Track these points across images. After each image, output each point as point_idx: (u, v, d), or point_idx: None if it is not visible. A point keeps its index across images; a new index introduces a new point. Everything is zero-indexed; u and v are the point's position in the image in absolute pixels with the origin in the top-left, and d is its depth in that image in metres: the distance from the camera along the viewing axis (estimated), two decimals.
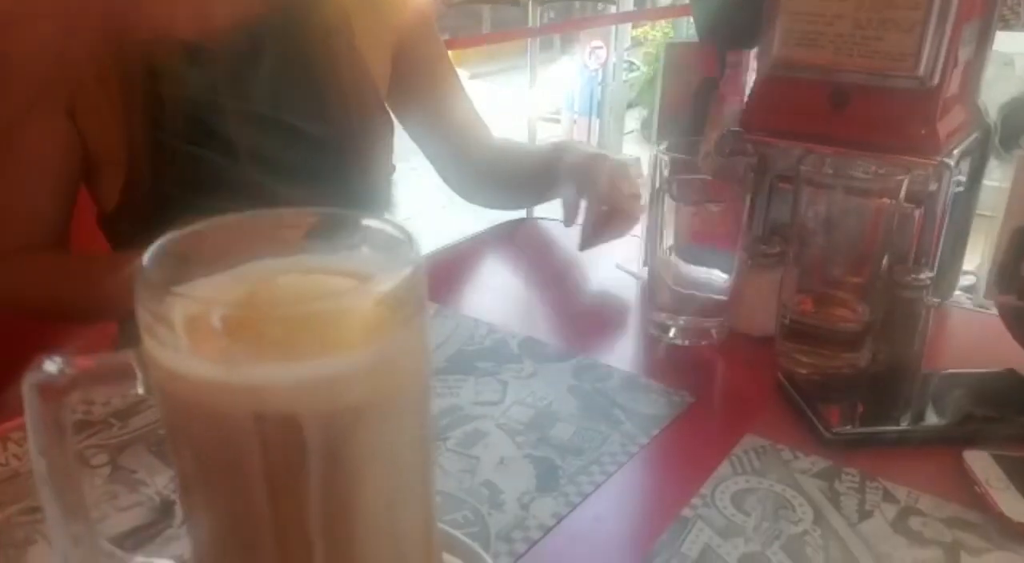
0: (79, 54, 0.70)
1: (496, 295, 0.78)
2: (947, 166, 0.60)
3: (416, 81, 0.89)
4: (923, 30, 0.58)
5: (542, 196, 0.93)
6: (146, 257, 0.29)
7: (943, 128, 0.62)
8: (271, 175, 0.76)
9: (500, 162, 0.95)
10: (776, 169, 0.67)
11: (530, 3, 1.64)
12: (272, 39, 0.76)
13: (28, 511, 0.47)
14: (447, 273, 0.81)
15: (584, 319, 0.73)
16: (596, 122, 8.50)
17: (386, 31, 0.86)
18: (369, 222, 0.34)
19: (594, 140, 8.53)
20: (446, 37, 1.93)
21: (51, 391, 0.28)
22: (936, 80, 0.60)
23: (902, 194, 0.58)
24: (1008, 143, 0.80)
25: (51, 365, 0.28)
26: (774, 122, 0.67)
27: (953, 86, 0.63)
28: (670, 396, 0.58)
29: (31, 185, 0.75)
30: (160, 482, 0.50)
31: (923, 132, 0.61)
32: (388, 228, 0.33)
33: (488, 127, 0.97)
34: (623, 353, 0.67)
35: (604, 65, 6.64)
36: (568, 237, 0.83)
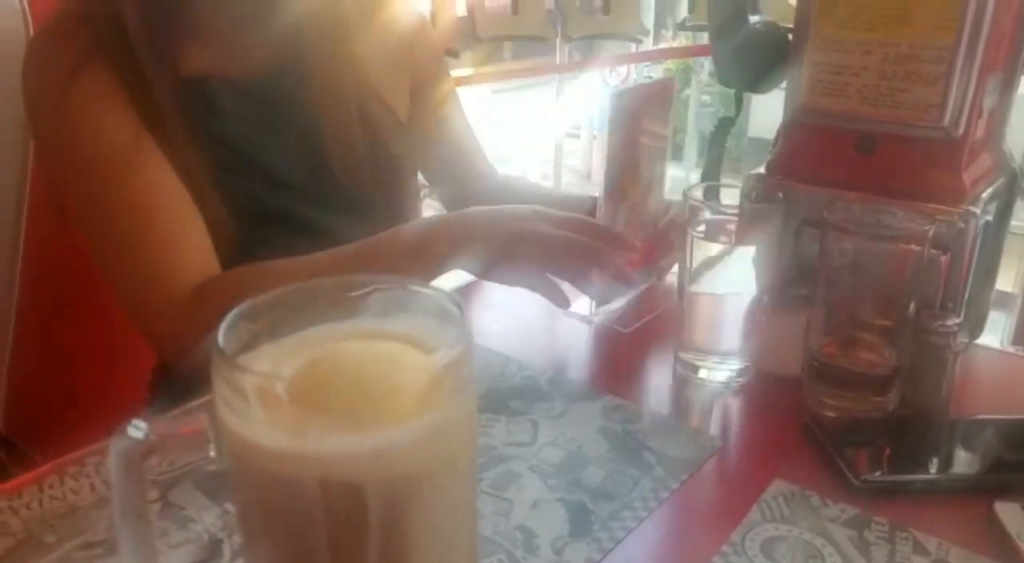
0: (122, 84, 0.73)
1: (523, 328, 0.80)
2: (973, 214, 0.61)
3: (425, 116, 0.93)
4: (947, 83, 0.60)
5: None
6: (221, 329, 0.31)
7: (969, 176, 0.63)
8: (306, 203, 0.81)
9: (503, 198, 0.98)
10: (803, 213, 0.68)
11: (558, 40, 1.67)
12: (306, 76, 0.80)
13: (86, 546, 0.49)
14: (474, 305, 0.83)
15: (612, 354, 0.74)
16: None
17: (406, 69, 0.91)
18: (421, 289, 0.36)
19: None
20: (471, 70, 1.97)
21: (134, 456, 0.30)
22: (961, 130, 0.61)
23: (928, 242, 0.59)
24: None
25: (135, 431, 0.30)
26: (801, 167, 0.68)
27: (978, 135, 0.64)
28: (699, 439, 0.60)
29: (174, 208, 0.74)
30: (208, 519, 0.52)
31: (949, 181, 0.62)
32: (439, 296, 0.35)
33: (491, 164, 1.02)
34: (651, 391, 0.68)
35: (624, 82, 6.68)
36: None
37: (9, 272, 0.92)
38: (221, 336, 0.30)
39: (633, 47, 1.85)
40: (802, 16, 0.65)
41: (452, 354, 0.30)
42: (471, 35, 1.67)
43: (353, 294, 0.35)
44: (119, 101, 0.72)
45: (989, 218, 0.67)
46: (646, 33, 1.67)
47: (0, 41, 0.97)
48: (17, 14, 0.98)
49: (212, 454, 0.31)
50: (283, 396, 0.29)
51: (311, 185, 0.81)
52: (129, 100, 0.72)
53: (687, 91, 7.83)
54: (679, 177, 7.95)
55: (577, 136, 8.56)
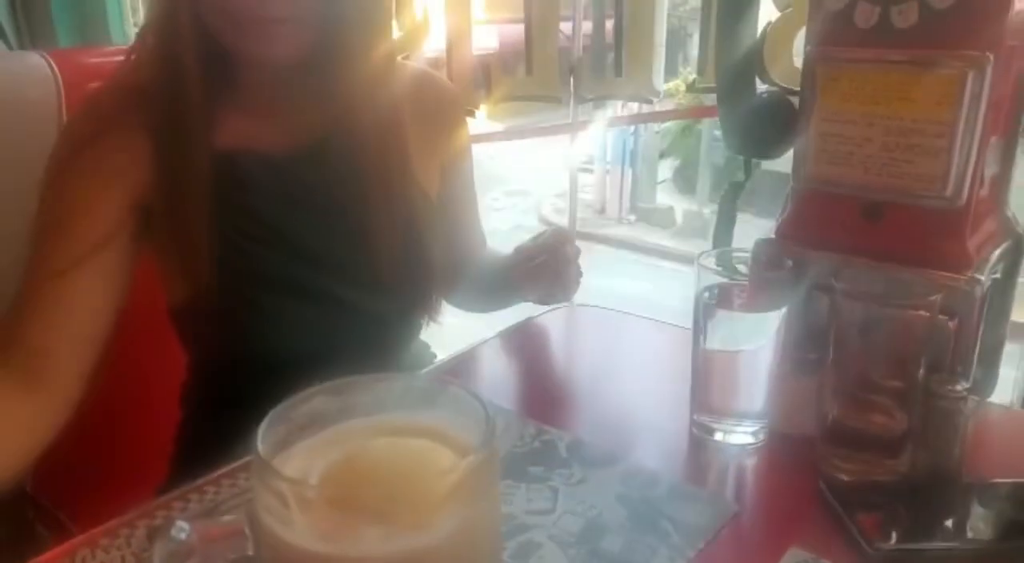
0: (157, 156, 0.77)
1: (540, 389, 0.82)
2: (978, 281, 0.63)
3: (443, 198, 0.95)
4: (949, 155, 0.62)
5: (501, 294, 0.99)
6: (259, 434, 0.33)
7: (973, 243, 0.65)
8: (321, 273, 0.83)
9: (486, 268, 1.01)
10: (812, 277, 0.70)
11: (572, 100, 1.72)
12: (334, 153, 0.83)
13: None
14: (490, 364, 0.85)
15: (628, 416, 0.76)
16: (628, 172, 8.60)
17: (438, 150, 0.92)
18: (447, 385, 0.38)
19: (627, 189, 8.62)
20: (485, 128, 2.02)
21: (178, 556, 0.32)
22: (964, 200, 0.63)
23: (936, 309, 0.60)
24: None
25: (179, 532, 0.32)
26: (809, 233, 0.70)
27: (981, 202, 0.65)
28: (715, 505, 0.61)
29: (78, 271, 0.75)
30: None
31: (954, 248, 0.64)
32: (464, 394, 0.37)
33: (483, 234, 1.05)
34: (667, 454, 0.70)
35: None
36: (612, 325, 0.87)
37: None
38: (259, 440, 0.33)
39: (643, 106, 1.89)
40: (807, 87, 0.68)
41: (481, 457, 0.32)
42: (486, 93, 1.72)
43: (382, 389, 0.37)
44: (120, 181, 0.76)
45: (997, 276, 0.69)
46: (657, 95, 1.70)
47: (32, 104, 1.01)
48: (49, 80, 1.03)
49: (250, 553, 0.33)
50: (317, 499, 0.31)
51: (336, 258, 0.83)
52: (133, 181, 0.76)
53: (699, 126, 7.90)
54: (692, 211, 8.00)
55: (590, 171, 8.64)
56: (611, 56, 1.64)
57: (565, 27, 1.86)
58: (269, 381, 0.83)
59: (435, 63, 1.84)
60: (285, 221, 0.81)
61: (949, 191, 0.62)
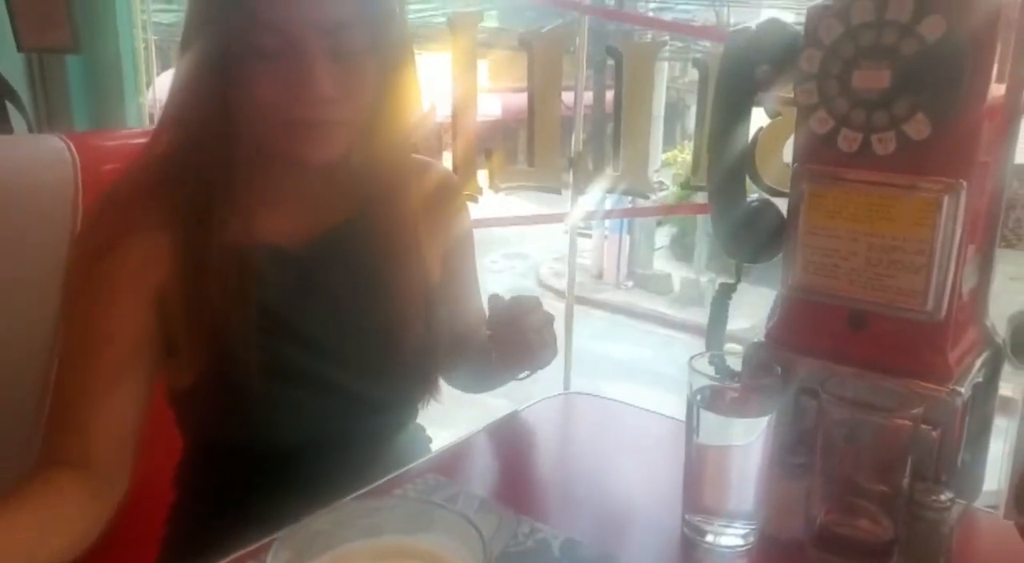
0: (175, 251, 0.79)
1: (533, 482, 0.83)
2: (959, 394, 0.65)
3: (446, 282, 0.97)
4: (928, 272, 0.65)
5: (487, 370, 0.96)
6: (268, 559, 0.35)
7: (954, 355, 0.67)
8: (330, 364, 0.85)
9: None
10: (800, 382, 0.72)
11: (569, 191, 1.78)
12: (347, 247, 0.86)
13: None
14: (483, 456, 0.86)
15: (621, 513, 0.77)
16: (626, 238, 8.71)
17: (438, 241, 0.95)
18: (443, 508, 0.40)
19: (624, 255, 8.71)
20: (487, 213, 2.07)
21: None
22: (943, 314, 0.65)
23: (919, 419, 0.63)
24: (1020, 352, 0.85)
25: None
26: (798, 339, 0.73)
27: (961, 315, 0.68)
28: None
29: (110, 375, 0.78)
30: None
31: (935, 360, 0.66)
32: (459, 519, 0.39)
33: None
34: (659, 556, 0.71)
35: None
36: (605, 415, 0.88)
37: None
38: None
39: (637, 201, 1.96)
40: (794, 201, 0.71)
41: None
42: (489, 184, 1.78)
43: (382, 513, 0.39)
44: (143, 284, 0.78)
45: (980, 380, 0.71)
46: (653, 190, 1.76)
47: (50, 186, 1.04)
48: (67, 163, 1.06)
49: None
50: None
51: (348, 350, 0.85)
52: (154, 280, 0.78)
53: (696, 194, 8.04)
54: (689, 278, 8.07)
55: (589, 235, 8.75)
56: (610, 144, 1.70)
57: (567, 96, 1.94)
58: (266, 468, 0.85)
59: (441, 129, 1.90)
60: (298, 314, 0.83)
61: (930, 305, 0.65)
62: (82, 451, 0.76)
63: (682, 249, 8.91)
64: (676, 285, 8.29)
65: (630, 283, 8.66)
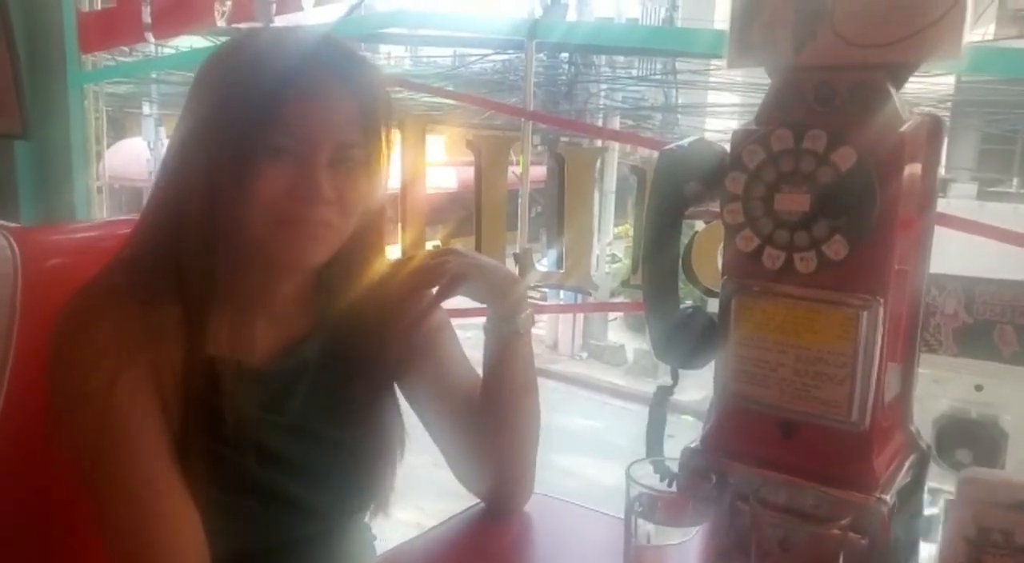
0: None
1: None
2: (884, 502, 0.67)
3: (428, 373, 0.96)
4: (851, 383, 0.67)
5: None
6: None
7: (880, 463, 0.69)
8: (290, 476, 0.84)
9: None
10: (735, 488, 0.73)
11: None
12: (312, 360, 0.87)
13: None
14: (429, 559, 0.85)
15: None
16: None
17: (406, 341, 0.94)
18: None
19: (579, 327, 8.77)
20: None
21: None
22: (867, 424, 0.68)
23: (847, 528, 0.64)
24: (945, 455, 0.88)
25: None
26: (732, 444, 0.75)
27: (885, 422, 0.71)
28: None
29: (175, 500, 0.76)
30: None
31: (861, 469, 0.68)
32: None
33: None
34: None
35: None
36: (556, 516, 0.88)
37: None
38: None
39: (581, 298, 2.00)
40: (724, 312, 0.74)
41: None
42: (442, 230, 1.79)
43: None
44: (154, 400, 0.77)
45: (908, 481, 0.73)
46: (596, 288, 1.81)
47: None
48: (7, 261, 1.03)
49: None
50: None
51: (309, 465, 0.85)
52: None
53: None
54: (642, 349, 8.15)
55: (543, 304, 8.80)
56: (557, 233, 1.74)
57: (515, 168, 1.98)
58: None
59: (390, 202, 1.93)
60: (258, 429, 0.82)
61: (854, 416, 0.68)
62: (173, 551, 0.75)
63: (636, 321, 9.03)
64: (630, 356, 8.36)
65: (584, 354, 8.70)
